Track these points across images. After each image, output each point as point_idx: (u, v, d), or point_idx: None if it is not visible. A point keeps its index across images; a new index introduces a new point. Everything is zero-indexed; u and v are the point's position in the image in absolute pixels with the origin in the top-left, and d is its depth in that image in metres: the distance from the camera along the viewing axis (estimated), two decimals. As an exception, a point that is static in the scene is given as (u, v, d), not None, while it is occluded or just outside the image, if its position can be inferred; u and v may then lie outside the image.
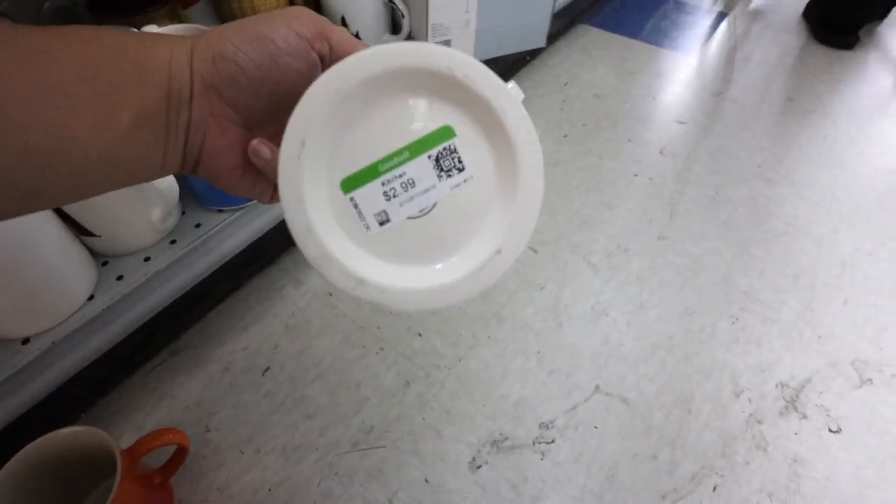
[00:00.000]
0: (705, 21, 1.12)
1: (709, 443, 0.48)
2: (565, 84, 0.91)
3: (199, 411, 0.50)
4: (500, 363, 0.54)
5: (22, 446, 0.35)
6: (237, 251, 0.50)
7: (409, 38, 0.67)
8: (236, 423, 0.50)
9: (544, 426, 0.49)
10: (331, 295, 0.60)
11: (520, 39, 0.70)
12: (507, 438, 0.49)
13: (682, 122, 0.84)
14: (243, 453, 0.48)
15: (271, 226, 0.53)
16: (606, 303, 0.59)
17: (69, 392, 0.43)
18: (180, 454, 0.43)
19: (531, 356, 0.54)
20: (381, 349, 0.55)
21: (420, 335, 0.56)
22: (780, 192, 0.72)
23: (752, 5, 1.18)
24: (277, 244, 0.58)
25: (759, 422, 0.50)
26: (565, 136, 0.81)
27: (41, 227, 0.37)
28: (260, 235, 0.52)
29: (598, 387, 0.52)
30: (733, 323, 0.57)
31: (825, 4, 1.04)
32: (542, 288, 0.60)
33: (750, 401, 0.51)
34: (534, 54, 0.97)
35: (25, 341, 0.39)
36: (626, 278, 0.61)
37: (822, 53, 1.01)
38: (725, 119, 0.85)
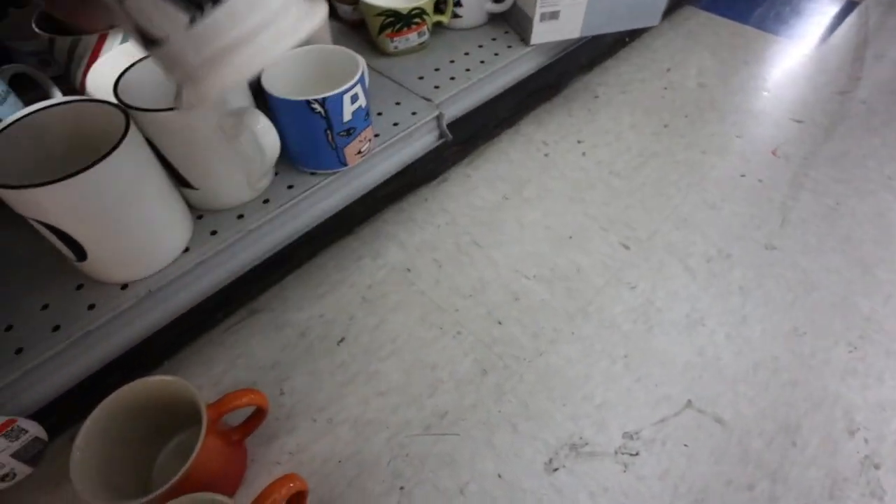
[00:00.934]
0: (831, 9, 1.00)
1: (814, 481, 0.44)
2: (668, 70, 0.84)
3: (275, 374, 0.50)
4: (583, 362, 0.51)
5: (108, 388, 0.35)
6: (326, 217, 0.49)
7: (515, 6, 0.62)
8: (310, 390, 0.49)
9: (628, 436, 0.46)
10: (409, 271, 0.58)
11: (632, 16, 0.64)
12: (587, 444, 0.46)
13: (798, 121, 0.76)
14: (315, 421, 0.47)
15: (360, 193, 0.51)
16: (703, 311, 0.54)
17: (156, 339, 0.43)
18: (259, 415, 0.42)
19: (618, 359, 0.51)
20: (459, 333, 0.53)
21: (500, 323, 0.53)
22: (914, 209, 0.64)
23: (888, -5, 1.05)
24: (359, 213, 0.56)
25: (876, 466, 0.44)
26: (665, 126, 0.74)
27: (147, 173, 0.37)
28: (348, 203, 0.50)
29: (689, 402, 0.48)
30: (851, 351, 0.51)
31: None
32: (633, 287, 0.56)
33: (866, 441, 0.46)
34: (634, 35, 0.90)
35: (124, 287, 0.40)
36: (726, 287, 0.56)
37: (972, 55, 0.89)
38: (851, 121, 0.76)
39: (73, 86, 0.51)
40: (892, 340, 0.52)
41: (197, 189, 0.42)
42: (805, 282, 0.56)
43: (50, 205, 0.32)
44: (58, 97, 0.49)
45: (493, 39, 0.64)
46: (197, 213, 0.44)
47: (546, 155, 0.71)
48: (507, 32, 0.65)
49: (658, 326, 0.53)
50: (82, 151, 0.37)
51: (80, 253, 0.36)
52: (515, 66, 0.62)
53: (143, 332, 0.41)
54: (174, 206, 0.40)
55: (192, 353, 0.52)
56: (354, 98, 0.42)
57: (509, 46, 0.63)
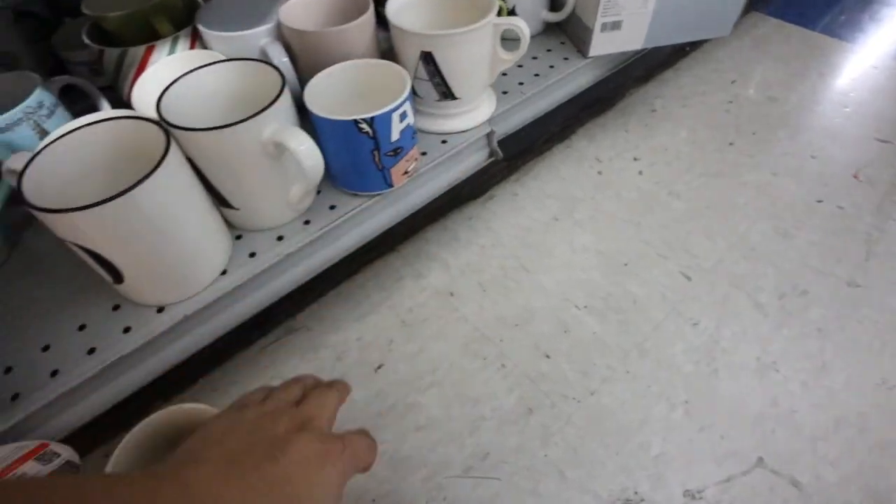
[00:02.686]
0: (918, 17, 0.91)
1: (911, 563, 0.38)
2: (733, 82, 0.78)
3: (309, 399, 0.48)
4: (638, 406, 0.46)
5: (140, 410, 0.34)
6: (367, 239, 0.46)
7: (573, 15, 0.58)
8: (345, 418, 0.46)
9: (690, 495, 0.42)
10: (452, 294, 0.55)
11: (701, 26, 0.59)
12: (643, 500, 0.41)
13: (884, 141, 0.68)
14: (349, 454, 0.45)
15: (404, 215, 0.48)
16: (776, 355, 0.49)
17: (190, 361, 0.42)
18: None
19: (678, 404, 0.46)
20: (503, 366, 0.49)
21: (548, 357, 0.50)
22: None
23: None
24: (401, 231, 0.53)
25: None
26: (731, 143, 0.69)
27: (188, 193, 0.35)
28: (391, 225, 0.48)
29: (761, 459, 0.43)
30: (953, 410, 0.45)
31: None
32: (696, 324, 0.51)
33: (974, 519, 0.40)
34: (695, 45, 0.84)
35: (160, 310, 0.38)
36: (802, 328, 0.51)
37: None
38: (945, 142, 0.68)
39: (121, 97, 0.51)
40: None
41: (237, 209, 0.40)
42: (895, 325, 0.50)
43: (86, 228, 0.31)
44: (105, 109, 0.49)
45: (549, 51, 0.60)
46: (236, 233, 0.43)
47: (599, 173, 0.66)
48: (563, 43, 0.61)
49: (724, 370, 0.48)
50: (125, 168, 0.36)
51: (117, 276, 0.35)
52: (571, 79, 0.58)
53: (177, 355, 0.40)
54: (213, 227, 0.39)
55: (227, 372, 0.50)
56: (403, 116, 0.40)
57: (566, 58, 0.59)
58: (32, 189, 0.31)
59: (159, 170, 0.31)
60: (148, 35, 0.47)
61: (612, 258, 0.57)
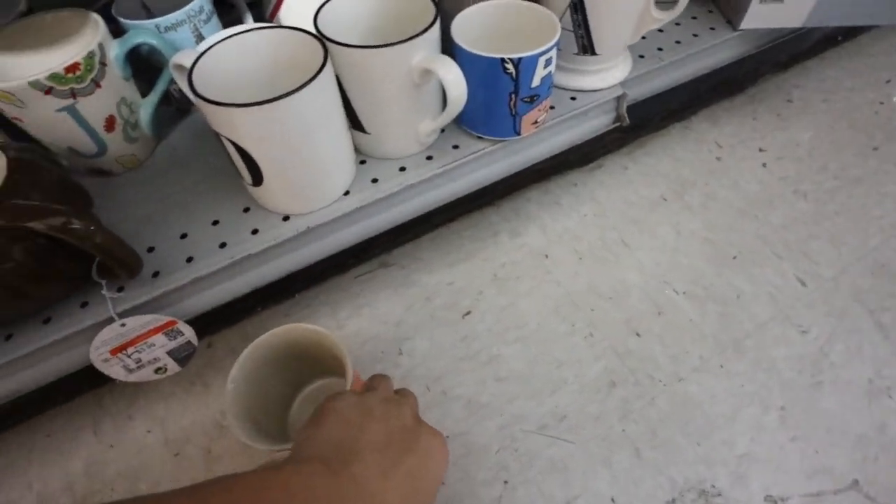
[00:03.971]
0: None
1: None
2: (887, 81, 0.70)
3: (397, 331, 0.50)
4: (729, 402, 0.44)
5: (244, 311, 0.35)
6: (484, 184, 0.46)
7: (730, -18, 0.54)
8: (429, 356, 0.48)
9: (772, 500, 0.40)
10: (547, 257, 0.54)
11: (877, 10, 0.53)
12: (720, 494, 0.40)
13: None
14: (429, 390, 0.46)
15: (522, 167, 0.48)
16: (892, 380, 0.45)
17: (298, 274, 0.44)
18: None
19: (772, 408, 0.44)
20: (591, 335, 0.49)
21: (638, 335, 0.48)
22: None
23: None
24: (503, 188, 0.53)
25: None
26: (875, 148, 0.62)
27: (333, 109, 0.36)
28: (507, 175, 0.47)
29: (856, 482, 0.41)
30: None
31: None
32: (805, 332, 0.48)
33: None
34: (849, 34, 0.75)
35: (286, 218, 0.40)
36: (928, 358, 0.46)
37: None
38: None
39: (263, 15, 0.52)
40: None
41: (368, 134, 0.41)
42: None
43: (244, 126, 0.32)
44: (249, 23, 0.50)
45: (694, 18, 0.56)
46: (360, 157, 0.44)
47: (718, 158, 0.62)
48: (710, 12, 0.57)
49: (830, 384, 0.45)
50: (277, 74, 0.37)
51: (258, 177, 0.36)
52: (714, 52, 0.54)
53: (292, 265, 0.42)
54: (346, 147, 0.40)
55: (322, 292, 0.53)
56: (548, 62, 0.38)
57: (711, 28, 0.55)
58: (198, 84, 0.33)
59: (316, 79, 0.32)
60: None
61: (721, 248, 0.54)
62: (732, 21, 0.55)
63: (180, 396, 0.48)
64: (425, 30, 0.35)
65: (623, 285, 0.52)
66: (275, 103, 0.31)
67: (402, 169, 0.42)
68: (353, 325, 0.51)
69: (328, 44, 0.35)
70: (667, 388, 0.46)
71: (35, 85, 0.35)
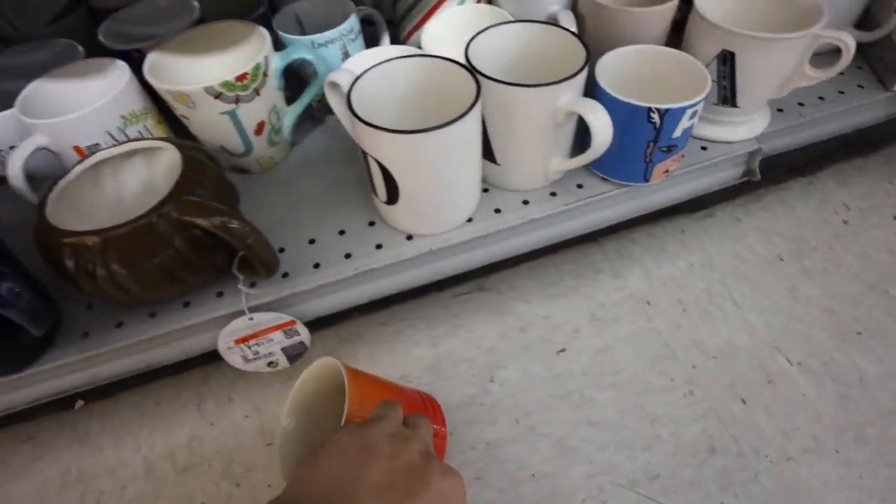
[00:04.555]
0: None
1: None
2: None
3: (490, 358, 0.50)
4: (844, 494, 0.41)
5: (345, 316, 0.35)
6: (602, 226, 0.46)
7: (887, 38, 0.50)
8: (520, 389, 0.48)
9: None
10: (649, 304, 0.53)
11: None
12: (827, 592, 0.37)
13: None
14: (518, 423, 0.46)
15: (640, 213, 0.47)
16: None
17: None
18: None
19: (895, 509, 0.40)
20: (691, 393, 0.47)
21: (744, 402, 0.46)
22: None
23: None
24: (610, 226, 0.51)
25: None
26: None
27: (476, 139, 0.37)
28: (625, 219, 0.46)
29: None
30: None
31: None
32: (940, 429, 0.44)
33: None
34: None
35: (409, 237, 0.41)
36: None
37: None
38: None
39: (398, 35, 0.54)
40: None
41: (498, 165, 0.42)
42: None
43: (396, 150, 0.34)
44: (385, 43, 0.53)
45: (841, 74, 0.52)
46: (483, 185, 0.44)
47: (845, 222, 0.58)
48: (859, 68, 0.53)
49: (966, 492, 0.41)
50: (426, 102, 0.39)
51: (393, 197, 0.38)
52: (860, 111, 0.51)
53: (407, 281, 0.43)
54: (476, 176, 0.40)
55: (418, 306, 0.54)
56: (693, 114, 0.38)
57: (860, 86, 0.51)
58: (356, 105, 0.35)
59: (469, 113, 0.33)
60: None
61: (843, 322, 0.50)
62: (885, 81, 0.51)
63: (277, 388, 0.50)
64: (576, 73, 0.35)
65: (729, 345, 0.49)
66: (429, 133, 0.32)
67: (526, 202, 0.43)
68: (448, 344, 0.51)
69: (480, 77, 0.36)
70: (773, 465, 0.43)
71: (209, 90, 0.39)
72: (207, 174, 0.36)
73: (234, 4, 0.53)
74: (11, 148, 0.43)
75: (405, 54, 0.38)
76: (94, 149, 0.39)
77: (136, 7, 0.51)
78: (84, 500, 0.46)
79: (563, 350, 0.50)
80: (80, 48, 0.48)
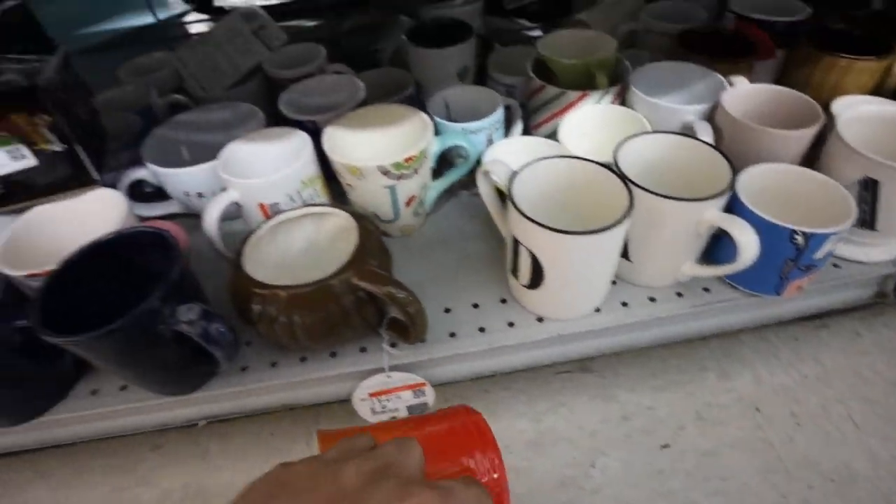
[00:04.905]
0: None
1: None
2: None
3: (591, 442, 0.51)
4: None
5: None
6: (725, 329, 0.47)
7: None
8: (621, 479, 0.48)
9: None
10: (758, 410, 0.52)
11: None
12: None
13: None
14: (620, 514, 0.46)
15: (767, 321, 0.48)
16: None
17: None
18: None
19: None
20: (806, 515, 0.45)
21: (866, 535, 0.44)
22: None
23: None
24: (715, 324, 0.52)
25: None
26: None
27: (622, 242, 0.40)
28: (750, 326, 0.47)
29: None
30: None
31: None
32: None
33: None
34: None
35: (540, 320, 0.44)
36: None
37: None
38: None
39: (528, 124, 0.59)
40: None
41: (631, 262, 0.44)
42: None
43: (552, 246, 0.37)
44: (518, 131, 0.57)
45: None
46: (613, 278, 0.47)
47: (979, 352, 0.55)
48: None
49: None
50: (572, 199, 0.42)
51: (536, 283, 0.41)
52: None
53: (531, 359, 0.46)
54: (614, 271, 0.43)
55: (521, 378, 0.55)
56: (838, 240, 0.39)
57: None
58: (517, 199, 0.39)
59: (627, 219, 0.36)
60: (583, 82, 0.54)
61: (982, 464, 0.47)
62: None
63: (382, 439, 0.53)
64: (723, 192, 0.38)
65: (849, 470, 0.47)
66: (590, 235, 0.35)
67: (652, 299, 0.44)
68: (550, 421, 0.52)
69: (632, 186, 0.39)
70: None
71: (380, 167, 0.44)
72: (377, 244, 0.41)
73: (388, 84, 0.60)
74: (199, 194, 0.51)
75: (563, 154, 0.42)
76: (275, 207, 0.46)
77: (308, 81, 0.58)
78: (200, 518, 0.49)
79: (666, 445, 0.50)
80: (261, 112, 0.56)
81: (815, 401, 0.52)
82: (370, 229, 0.41)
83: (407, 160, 0.45)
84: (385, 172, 0.45)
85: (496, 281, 0.48)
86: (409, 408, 0.45)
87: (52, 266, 0.39)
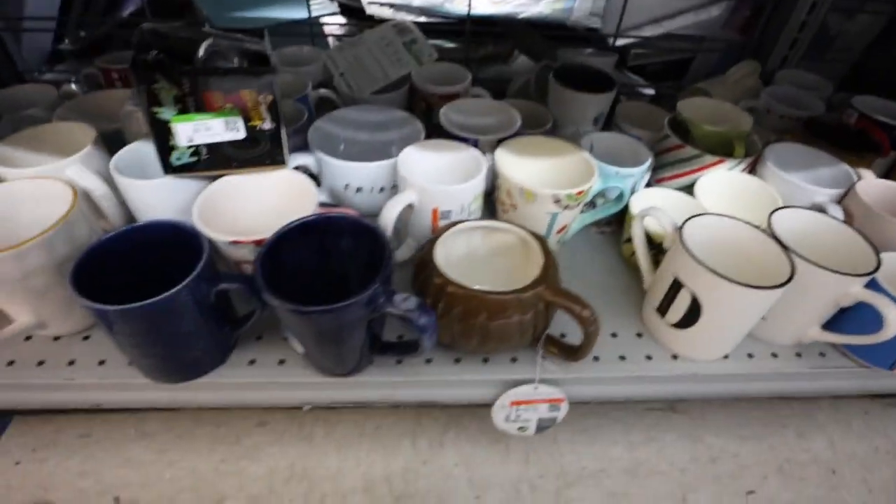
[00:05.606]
0: None
1: None
2: None
3: (681, 478, 0.54)
4: None
5: None
6: (829, 392, 0.51)
7: None
8: (712, 517, 0.52)
9: None
10: (834, 473, 0.56)
11: None
12: None
13: None
14: (712, 550, 0.49)
15: (860, 392, 0.52)
16: None
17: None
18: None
19: None
20: (881, 576, 0.49)
21: None
22: None
23: None
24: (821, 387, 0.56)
25: None
26: None
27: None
28: (849, 393, 0.51)
29: None
30: None
31: None
32: None
33: None
34: None
35: (674, 357, 0.48)
36: None
37: None
38: None
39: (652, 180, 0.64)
40: None
41: (763, 319, 0.48)
42: None
43: (720, 295, 0.41)
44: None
45: None
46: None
47: None
48: None
49: None
50: (731, 258, 0.47)
51: (687, 324, 0.45)
52: None
53: (656, 392, 0.49)
54: (755, 323, 0.47)
55: (615, 409, 0.59)
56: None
57: None
58: (690, 245, 0.43)
59: (791, 281, 0.40)
60: (716, 148, 0.59)
61: None
62: None
63: (484, 445, 0.56)
64: (873, 271, 0.43)
65: (916, 540, 0.52)
66: (759, 290, 0.40)
67: (774, 355, 0.49)
68: (642, 453, 0.56)
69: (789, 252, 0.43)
70: None
71: (554, 196, 0.48)
72: (554, 263, 0.44)
73: (526, 116, 0.64)
74: (358, 188, 0.54)
75: (729, 215, 0.47)
76: (447, 214, 0.49)
77: (463, 101, 0.63)
78: (308, 499, 0.51)
79: (752, 492, 0.54)
80: (419, 122, 0.59)
81: (887, 473, 0.57)
82: (549, 250, 0.45)
83: (578, 193, 0.49)
84: (556, 201, 0.49)
85: (629, 315, 0.52)
86: (540, 420, 0.48)
87: (257, 235, 0.42)
